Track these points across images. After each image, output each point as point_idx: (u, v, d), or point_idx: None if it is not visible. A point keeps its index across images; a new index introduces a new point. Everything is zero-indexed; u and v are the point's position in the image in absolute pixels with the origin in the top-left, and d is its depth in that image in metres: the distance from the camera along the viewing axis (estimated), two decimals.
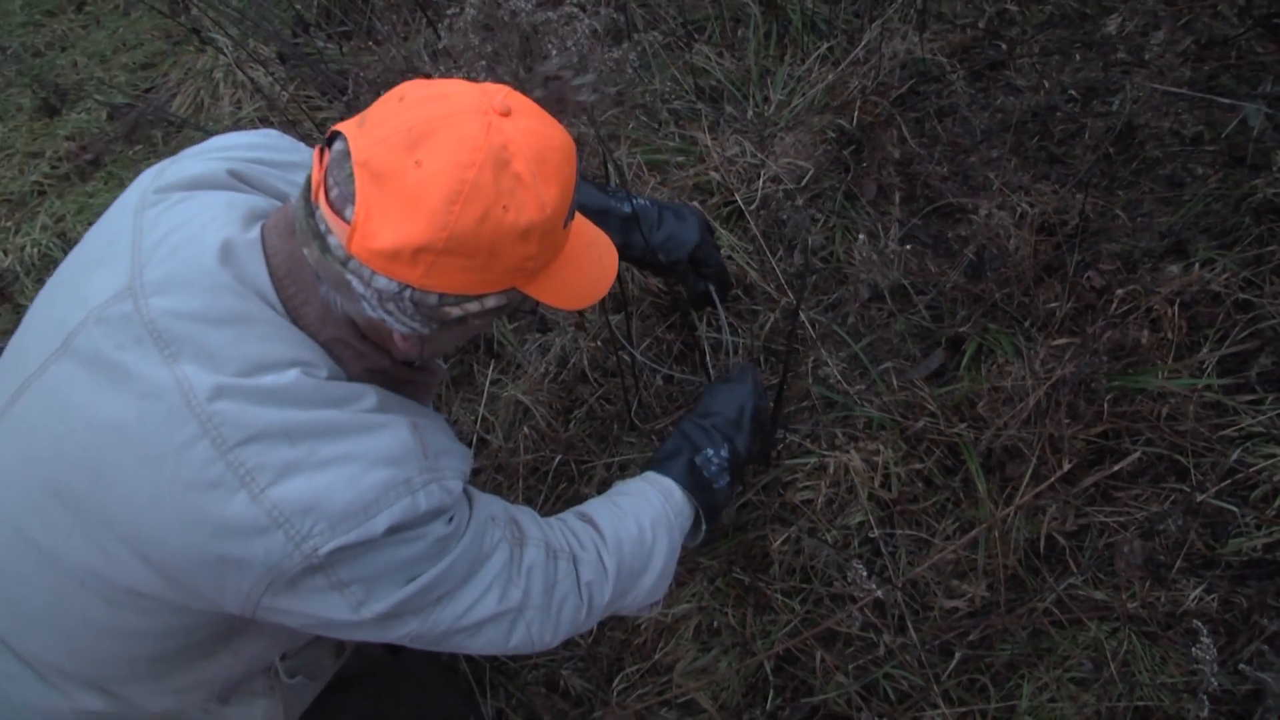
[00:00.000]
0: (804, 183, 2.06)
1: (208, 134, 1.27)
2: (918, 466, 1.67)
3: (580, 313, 1.95)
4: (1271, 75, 1.94)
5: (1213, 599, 1.49)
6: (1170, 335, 1.69)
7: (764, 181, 2.04)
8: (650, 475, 1.38)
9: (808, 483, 1.69)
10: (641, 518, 1.30)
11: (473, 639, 1.12)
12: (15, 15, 3.48)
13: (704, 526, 1.42)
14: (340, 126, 0.97)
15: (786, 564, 1.65)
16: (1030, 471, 1.60)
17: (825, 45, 2.26)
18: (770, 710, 1.59)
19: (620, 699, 1.65)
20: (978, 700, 1.52)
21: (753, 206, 1.99)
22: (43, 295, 1.12)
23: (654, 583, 1.30)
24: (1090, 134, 2.00)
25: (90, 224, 1.17)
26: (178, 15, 2.92)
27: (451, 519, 1.05)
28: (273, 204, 1.12)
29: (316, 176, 0.96)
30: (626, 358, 1.79)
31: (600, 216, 1.46)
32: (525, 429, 1.90)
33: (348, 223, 0.93)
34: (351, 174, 0.92)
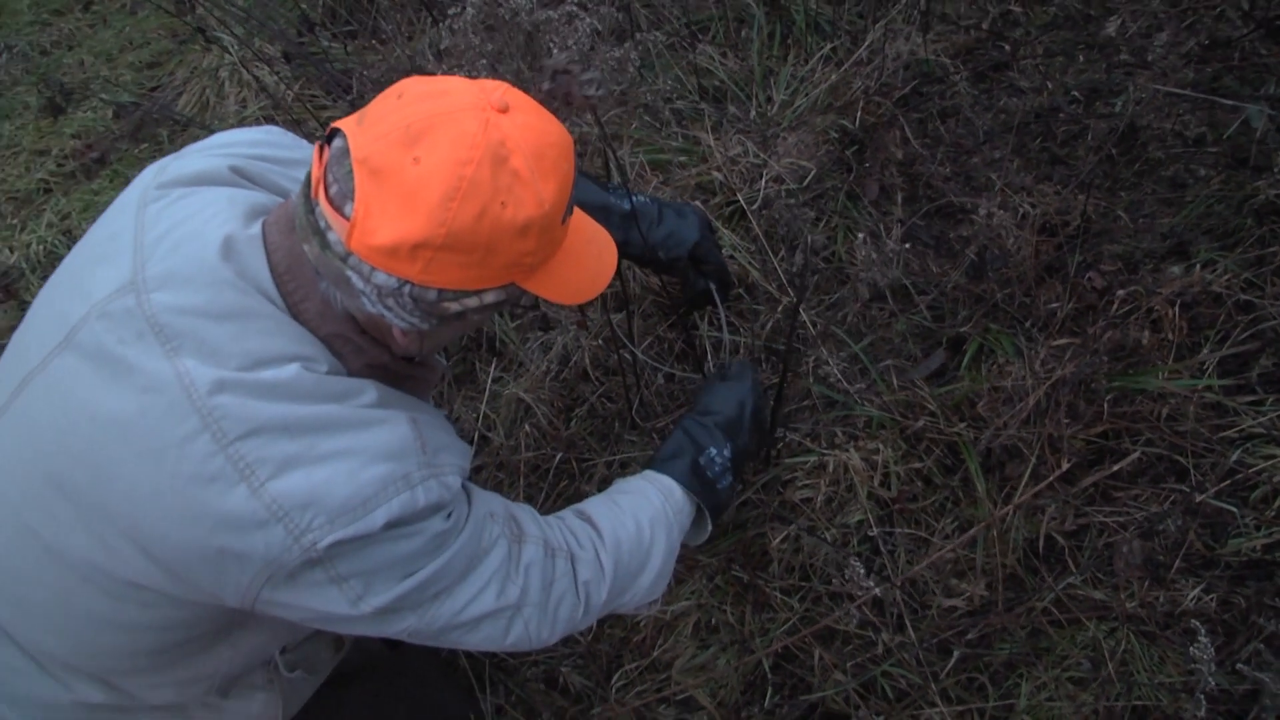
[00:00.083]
0: (806, 183, 2.06)
1: (212, 133, 1.27)
2: (917, 465, 1.67)
3: (582, 311, 1.96)
4: (1275, 77, 1.94)
5: (1211, 599, 1.49)
6: (1171, 336, 1.70)
7: (766, 181, 2.04)
8: (651, 474, 1.38)
9: (807, 481, 1.69)
10: (640, 517, 1.30)
11: (470, 635, 1.13)
12: (23, 14, 3.50)
13: (709, 526, 1.42)
14: (340, 123, 0.98)
15: (785, 562, 1.65)
16: (1029, 471, 1.61)
17: (829, 46, 2.26)
18: (768, 708, 1.59)
19: (619, 696, 1.65)
20: (976, 699, 1.52)
21: (755, 206, 1.99)
22: (46, 290, 1.13)
23: (652, 582, 1.30)
24: (1093, 135, 2.01)
25: (95, 221, 1.18)
26: (184, 14, 2.93)
27: (450, 515, 1.06)
28: (275, 200, 1.13)
29: (316, 173, 0.97)
30: (628, 356, 1.80)
31: (601, 213, 1.47)
32: (527, 427, 1.90)
33: (347, 219, 0.93)
34: (351, 171, 0.93)
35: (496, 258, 0.97)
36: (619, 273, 1.75)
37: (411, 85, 0.99)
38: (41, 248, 2.61)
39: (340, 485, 0.96)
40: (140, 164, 2.70)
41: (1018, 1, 2.32)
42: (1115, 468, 1.52)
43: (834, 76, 2.20)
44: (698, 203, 2.04)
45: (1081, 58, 2.17)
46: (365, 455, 0.98)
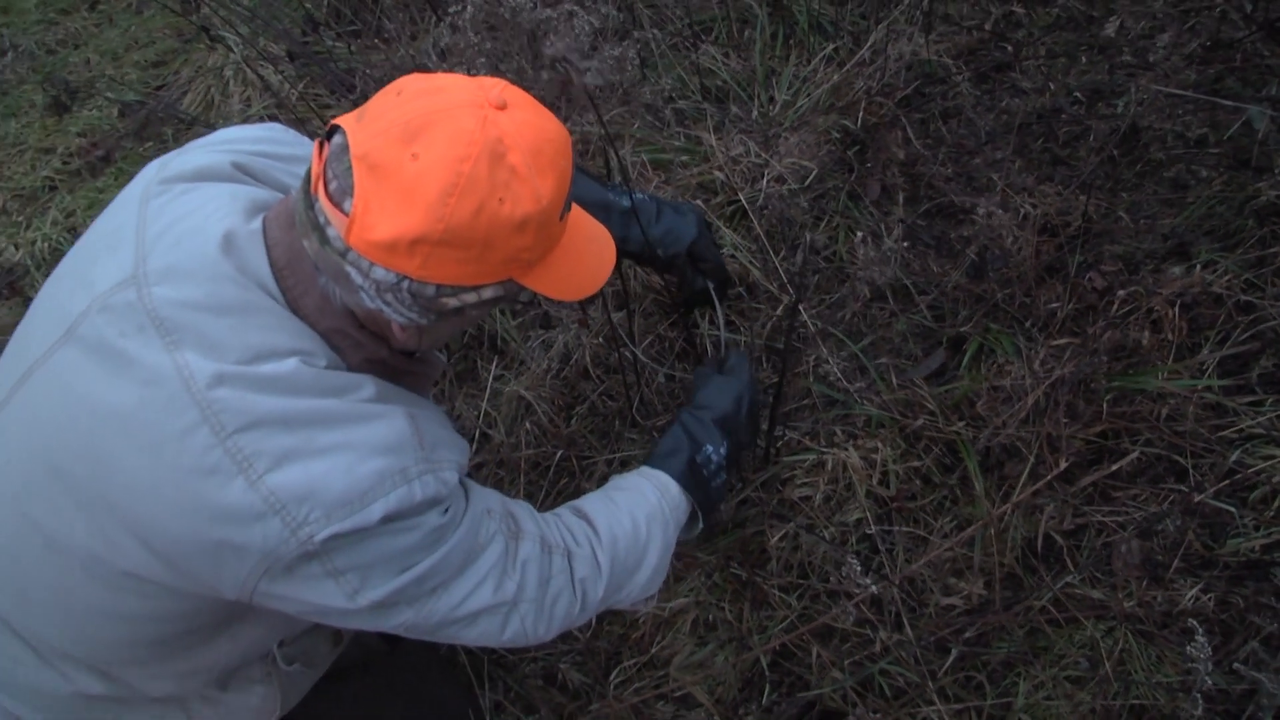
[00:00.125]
0: (808, 182, 2.07)
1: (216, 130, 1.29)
2: (916, 464, 1.67)
3: (583, 309, 1.97)
4: (1277, 78, 1.94)
5: (1209, 599, 1.49)
6: (1171, 336, 1.70)
7: (768, 181, 2.05)
8: (647, 470, 1.38)
9: (806, 479, 1.69)
10: (637, 514, 1.31)
11: (467, 630, 1.13)
12: (30, 13, 3.51)
13: (701, 523, 1.42)
14: (339, 120, 0.98)
15: (784, 560, 1.65)
16: (1028, 470, 1.61)
17: (831, 46, 2.27)
18: (766, 705, 1.60)
19: (617, 693, 1.66)
20: (974, 698, 1.52)
21: (756, 206, 2.00)
22: (49, 283, 1.14)
23: (648, 579, 1.31)
24: (1095, 136, 2.01)
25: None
26: (189, 14, 2.95)
27: (447, 510, 1.07)
28: (276, 196, 1.14)
29: (316, 169, 0.98)
30: (629, 355, 1.80)
31: (600, 210, 1.48)
32: (527, 424, 1.91)
33: (346, 215, 0.94)
34: (350, 167, 0.94)
35: (494, 253, 0.98)
36: (620, 271, 1.76)
37: (410, 82, 0.99)
38: (46, 245, 2.62)
39: (338, 479, 0.97)
40: (145, 162, 2.70)
41: (1020, 2, 2.32)
42: (1114, 467, 1.52)
43: (836, 77, 2.20)
44: (699, 202, 2.04)
45: (1084, 59, 2.17)
46: (363, 449, 0.99)
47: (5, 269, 2.62)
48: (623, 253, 1.54)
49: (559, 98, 1.12)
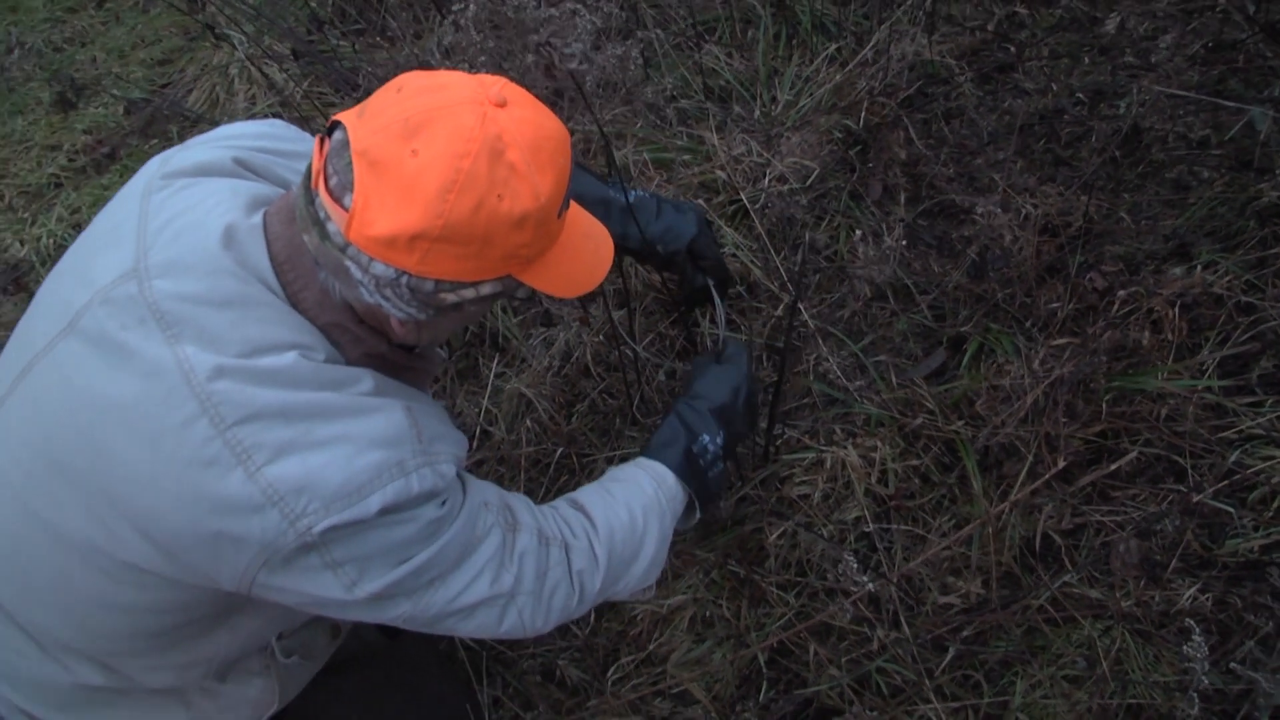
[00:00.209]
0: (809, 182, 2.07)
1: None
2: (915, 463, 1.67)
3: (584, 307, 1.97)
4: (1279, 79, 1.94)
5: (1207, 599, 1.49)
6: (1171, 337, 1.70)
7: (770, 180, 2.05)
8: (644, 461, 1.39)
9: (805, 478, 1.70)
10: (633, 505, 1.31)
11: (464, 622, 1.14)
12: (38, 11, 3.53)
13: (698, 513, 1.43)
14: (340, 116, 0.99)
15: (782, 558, 1.66)
16: (1026, 470, 1.61)
17: (833, 46, 2.27)
18: (763, 702, 1.60)
19: (615, 689, 1.66)
20: (971, 696, 1.53)
21: (758, 205, 2.00)
22: (52, 277, 1.15)
23: (645, 570, 1.31)
24: (1097, 137, 2.01)
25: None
26: (195, 12, 2.96)
27: (444, 502, 1.07)
28: (276, 192, 1.15)
29: (317, 165, 0.99)
30: (629, 352, 1.81)
31: (600, 206, 1.48)
32: (528, 422, 1.91)
33: (346, 210, 0.95)
34: (350, 163, 0.95)
35: (493, 249, 0.98)
36: (620, 269, 1.77)
37: (411, 79, 1.00)
38: (51, 241, 2.63)
39: (336, 471, 0.97)
40: (149, 160, 2.73)
41: (1023, 3, 2.32)
42: (1113, 467, 1.52)
43: (838, 77, 2.21)
44: (700, 201, 2.05)
45: (1087, 60, 2.18)
46: (361, 442, 1.00)
47: (10, 265, 2.63)
48: (623, 250, 1.54)
49: (546, 86, 1.12)
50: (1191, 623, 1.32)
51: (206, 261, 1.02)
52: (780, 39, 2.34)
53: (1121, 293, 1.74)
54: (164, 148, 1.21)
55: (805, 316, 1.88)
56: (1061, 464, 1.46)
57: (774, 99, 2.24)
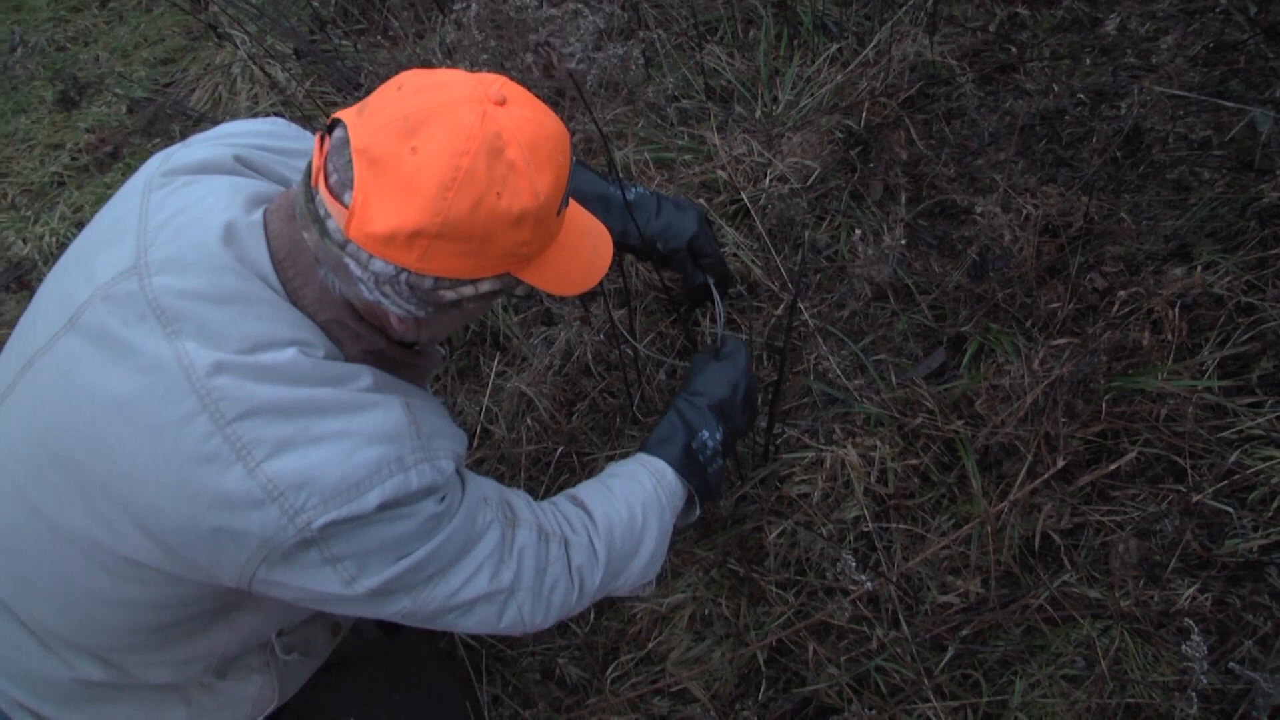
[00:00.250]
0: (810, 182, 2.07)
1: None
2: (914, 462, 1.67)
3: (585, 306, 1.97)
4: None
5: (1206, 599, 1.49)
6: (1171, 337, 1.70)
7: (770, 180, 2.05)
8: (643, 457, 1.39)
9: (805, 477, 1.70)
10: (632, 501, 1.31)
11: (464, 618, 1.14)
12: (42, 11, 3.54)
13: (698, 509, 1.43)
14: (341, 114, 1.00)
15: (781, 556, 1.66)
16: (1026, 469, 1.61)
17: (835, 46, 2.27)
18: (762, 700, 1.60)
19: (614, 687, 1.66)
20: (970, 695, 1.52)
21: (759, 205, 2.00)
22: (54, 272, 1.16)
23: (645, 565, 1.32)
24: (1098, 137, 2.01)
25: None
26: (198, 12, 2.97)
27: (443, 498, 1.08)
28: (277, 189, 1.15)
29: (317, 162, 0.99)
30: (630, 351, 1.81)
31: (601, 203, 1.49)
32: (529, 420, 1.92)
33: (346, 207, 0.95)
34: (350, 160, 0.95)
35: (492, 247, 0.99)
36: (621, 268, 1.77)
37: (411, 77, 1.00)
38: (54, 239, 2.64)
39: (335, 466, 0.98)
40: None
41: (1025, 4, 2.32)
42: (1112, 467, 1.53)
43: (840, 77, 2.21)
44: (701, 200, 2.05)
45: (1088, 60, 2.18)
46: (360, 438, 1.00)
47: (13, 263, 2.64)
48: (623, 247, 1.55)
49: (547, 86, 1.13)
50: (1190, 622, 1.32)
51: (207, 258, 1.02)
52: (782, 39, 2.35)
53: (1122, 293, 1.74)
54: (166, 146, 1.22)
55: (805, 316, 1.88)
56: (1061, 463, 1.46)
57: (775, 99, 2.24)
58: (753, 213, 1.99)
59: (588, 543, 1.25)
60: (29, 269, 2.61)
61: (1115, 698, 1.45)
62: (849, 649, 1.58)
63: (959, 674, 1.55)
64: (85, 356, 1.02)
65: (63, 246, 2.64)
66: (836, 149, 2.13)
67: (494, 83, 1.00)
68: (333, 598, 1.04)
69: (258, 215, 1.07)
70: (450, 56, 1.91)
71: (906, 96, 2.19)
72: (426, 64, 2.26)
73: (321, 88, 2.65)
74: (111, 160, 2.85)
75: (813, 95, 2.21)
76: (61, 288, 1.10)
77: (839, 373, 1.80)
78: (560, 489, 1.85)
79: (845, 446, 1.69)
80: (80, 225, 2.67)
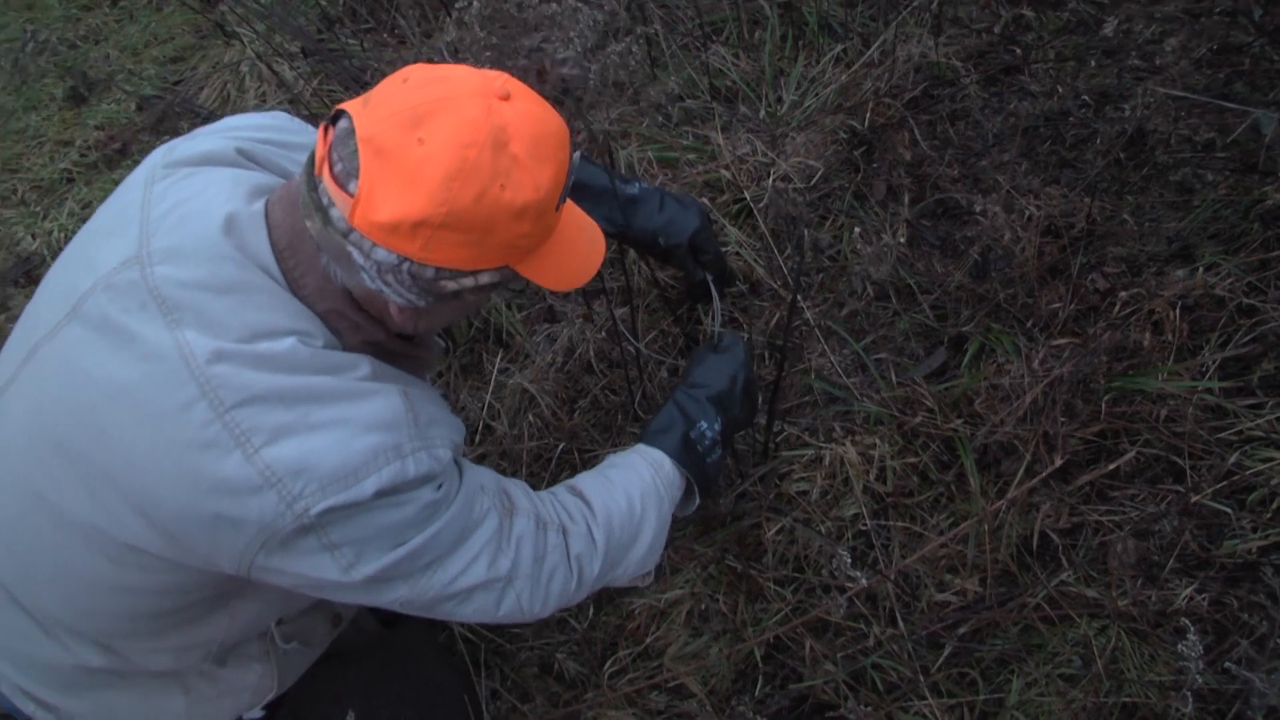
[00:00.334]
0: (814, 182, 2.08)
1: None
2: (913, 461, 1.68)
3: (588, 304, 1.99)
4: None
5: (1204, 599, 1.49)
6: (1172, 338, 1.70)
7: (774, 180, 2.06)
8: (642, 448, 1.40)
9: (804, 474, 1.70)
10: (631, 491, 1.32)
11: (462, 606, 1.15)
12: (54, 9, 3.57)
13: (697, 498, 1.44)
14: (345, 105, 1.01)
15: (780, 553, 1.66)
16: (1024, 468, 1.61)
17: (839, 47, 2.28)
18: (759, 696, 1.60)
19: (611, 682, 1.67)
20: (966, 693, 1.53)
21: (762, 204, 2.01)
22: (57, 263, 1.17)
23: (643, 555, 1.33)
24: (1101, 139, 2.01)
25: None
26: (207, 11, 2.99)
27: (440, 486, 1.08)
28: (277, 181, 1.17)
29: (321, 152, 1.00)
30: (631, 349, 1.82)
31: (604, 196, 1.50)
32: (530, 417, 1.93)
33: (351, 196, 0.97)
34: (356, 150, 0.96)
35: (493, 238, 1.00)
36: (623, 266, 1.78)
37: (416, 71, 1.02)
38: (62, 235, 2.66)
39: (332, 453, 0.99)
40: None
41: (1030, 6, 2.32)
42: (1111, 467, 1.53)
43: (844, 77, 2.21)
44: (705, 199, 2.06)
45: (1093, 63, 2.18)
46: (357, 425, 1.01)
47: (22, 258, 2.66)
48: (625, 241, 1.57)
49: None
50: (1187, 622, 1.32)
51: (207, 248, 1.03)
52: (787, 40, 2.35)
53: (1123, 294, 1.74)
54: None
55: (807, 315, 1.88)
56: (1059, 462, 1.47)
57: (779, 99, 2.25)
58: (755, 212, 1.99)
59: (586, 531, 1.26)
60: (38, 264, 2.63)
61: (1111, 697, 1.45)
62: (846, 646, 1.59)
63: (956, 672, 1.55)
64: (87, 344, 1.03)
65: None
66: (840, 149, 2.13)
67: (498, 78, 1.02)
68: (331, 585, 1.05)
69: (259, 205, 1.08)
70: (455, 55, 1.92)
71: (911, 97, 2.19)
72: (431, 62, 2.27)
73: (329, 86, 2.67)
74: (120, 157, 2.87)
75: (817, 95, 2.22)
76: (65, 278, 1.11)
77: (839, 371, 1.80)
78: None
79: (845, 444, 1.70)
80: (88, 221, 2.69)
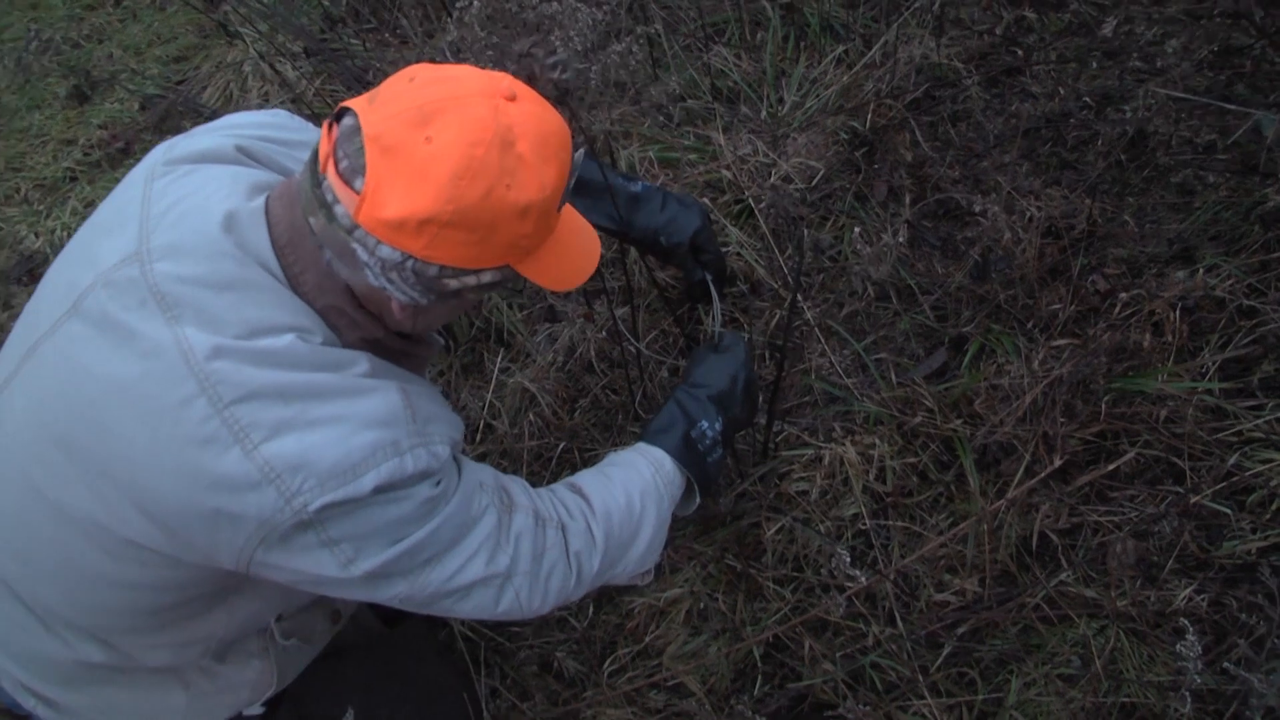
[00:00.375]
0: (815, 182, 2.08)
1: None
2: (913, 461, 1.68)
3: (589, 304, 1.99)
4: None
5: (1203, 599, 1.49)
6: (1172, 339, 1.70)
7: (775, 180, 2.06)
8: (642, 446, 1.40)
9: (804, 474, 1.70)
10: (631, 489, 1.32)
11: (461, 603, 1.15)
12: (58, 9, 3.58)
13: (698, 497, 1.44)
14: (350, 103, 1.02)
15: (779, 553, 1.67)
16: (1024, 468, 1.61)
17: (841, 48, 2.28)
18: (758, 695, 1.61)
19: (611, 681, 1.67)
20: (965, 693, 1.53)
21: (763, 205, 2.01)
22: (59, 259, 1.18)
23: (643, 553, 1.33)
24: (1103, 141, 2.01)
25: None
26: (210, 11, 3.00)
27: (439, 482, 1.09)
28: (276, 179, 1.17)
29: (325, 149, 1.01)
30: (632, 349, 1.82)
31: (607, 194, 1.51)
32: (531, 416, 1.93)
33: (357, 193, 0.97)
34: (362, 147, 0.97)
35: (497, 237, 1.01)
36: (625, 266, 1.79)
37: (422, 70, 1.03)
38: (65, 233, 2.67)
39: (331, 449, 0.99)
40: None
41: (1032, 7, 2.33)
42: (1110, 467, 1.53)
43: (846, 78, 2.22)
44: (706, 200, 2.06)
45: (1094, 64, 2.18)
46: (356, 421, 1.01)
47: (25, 256, 2.67)
48: (627, 239, 1.58)
49: (539, 90, 1.14)
50: (1186, 622, 1.32)
51: (207, 245, 1.04)
52: (789, 41, 2.36)
53: (1123, 295, 1.74)
54: None
55: (808, 315, 1.88)
56: (1058, 463, 1.47)
57: (781, 100, 2.25)
58: (756, 213, 2.00)
59: (585, 528, 1.27)
60: (40, 262, 2.64)
61: (1110, 697, 1.45)
62: (845, 645, 1.59)
63: (955, 672, 1.55)
64: (87, 341, 1.03)
65: None
66: (841, 150, 2.13)
67: (503, 79, 1.03)
68: (330, 581, 1.06)
69: (259, 202, 1.09)
70: (457, 55, 1.93)
71: (912, 98, 2.20)
72: (434, 62, 2.28)
73: (331, 86, 2.68)
74: (123, 156, 2.88)
75: (818, 96, 2.22)
76: (65, 275, 1.12)
77: (840, 371, 1.80)
78: None
79: (844, 444, 1.70)
80: None
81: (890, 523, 1.66)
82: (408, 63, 2.51)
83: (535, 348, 2.01)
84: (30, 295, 2.47)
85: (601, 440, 1.90)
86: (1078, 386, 1.66)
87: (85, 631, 1.15)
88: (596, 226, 1.55)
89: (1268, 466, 1.56)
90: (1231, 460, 1.58)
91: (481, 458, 1.93)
